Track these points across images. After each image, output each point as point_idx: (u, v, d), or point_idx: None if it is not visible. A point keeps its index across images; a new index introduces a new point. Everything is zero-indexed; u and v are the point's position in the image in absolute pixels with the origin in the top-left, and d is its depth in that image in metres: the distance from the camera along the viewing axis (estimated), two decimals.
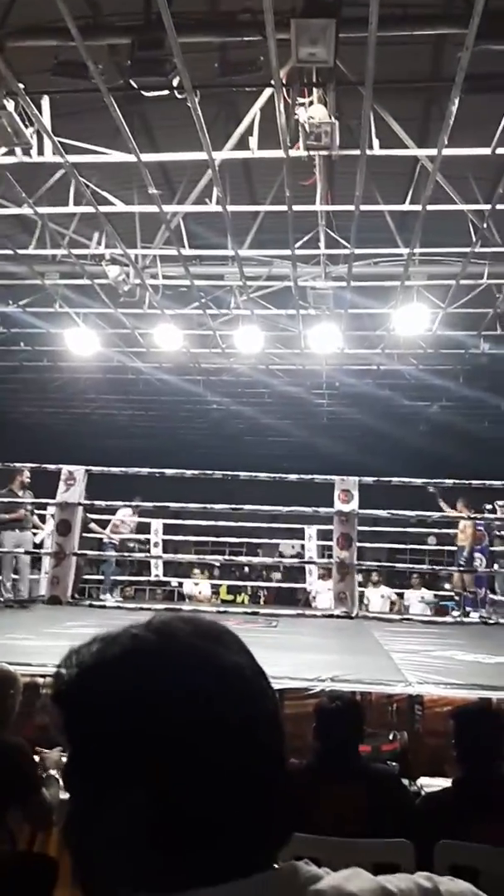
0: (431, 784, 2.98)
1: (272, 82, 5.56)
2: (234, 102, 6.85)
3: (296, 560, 11.87)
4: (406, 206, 7.47)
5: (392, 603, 11.20)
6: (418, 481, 6.22)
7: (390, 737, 3.38)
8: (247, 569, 14.37)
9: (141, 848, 0.59)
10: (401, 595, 11.62)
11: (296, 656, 4.65)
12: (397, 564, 9.56)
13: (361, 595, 11.09)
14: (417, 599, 11.33)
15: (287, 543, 12.74)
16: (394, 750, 3.27)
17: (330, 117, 5.73)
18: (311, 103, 5.66)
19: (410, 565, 10.43)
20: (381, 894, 0.61)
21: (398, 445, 17.02)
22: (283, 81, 5.55)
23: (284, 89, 5.61)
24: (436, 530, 11.71)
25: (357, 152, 6.24)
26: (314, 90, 5.64)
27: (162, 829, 0.59)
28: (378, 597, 11.16)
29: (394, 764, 3.07)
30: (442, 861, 2.28)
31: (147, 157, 6.79)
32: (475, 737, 2.57)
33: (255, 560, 11.74)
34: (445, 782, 2.75)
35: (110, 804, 0.60)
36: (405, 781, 2.89)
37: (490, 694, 3.65)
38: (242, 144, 6.52)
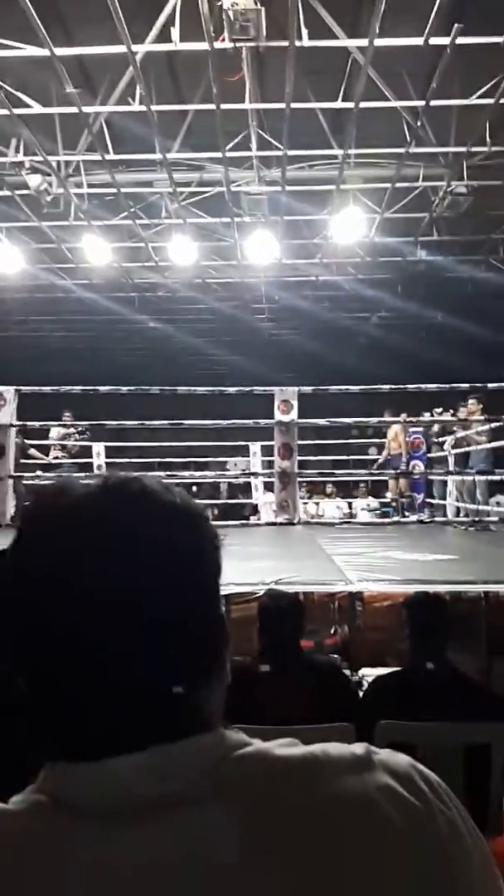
0: (373, 674, 3.10)
1: None
2: None
3: (239, 473, 11.98)
4: (338, 104, 7.18)
5: (344, 514, 11.59)
6: (355, 388, 6.25)
7: (332, 631, 3.51)
8: (195, 488, 14.46)
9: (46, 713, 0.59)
10: (350, 505, 12.02)
11: (242, 564, 4.72)
12: (336, 471, 9.73)
13: (317, 506, 11.42)
14: (363, 508, 11.73)
15: (232, 461, 12.81)
16: (335, 644, 3.41)
17: (255, 3, 5.38)
18: None
19: (349, 472, 10.55)
20: (307, 759, 0.60)
21: (337, 360, 17.06)
22: None
23: None
24: (376, 440, 11.97)
25: (286, 44, 5.90)
26: None
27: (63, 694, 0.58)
28: (334, 508, 11.52)
29: (335, 656, 3.20)
30: (381, 740, 2.40)
31: (62, 52, 6.29)
32: (425, 623, 2.68)
33: (199, 475, 11.76)
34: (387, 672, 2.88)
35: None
36: (347, 672, 3.01)
37: (426, 587, 3.78)
38: (165, 37, 6.10)
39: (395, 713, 2.46)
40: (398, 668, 2.79)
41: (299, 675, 2.56)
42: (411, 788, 0.59)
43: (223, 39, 5.81)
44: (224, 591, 2.71)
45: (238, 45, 5.76)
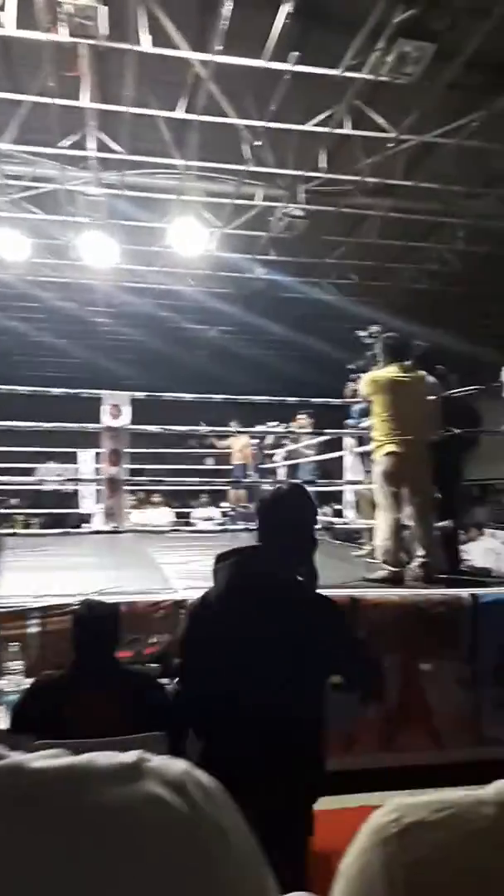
0: None
1: None
2: None
3: (65, 479, 11.55)
4: (180, 114, 7.20)
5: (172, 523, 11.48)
6: (188, 396, 6.24)
7: (152, 640, 3.45)
8: (13, 500, 13.72)
9: None
10: (187, 514, 11.97)
11: (65, 574, 4.56)
12: (166, 479, 9.64)
13: (143, 515, 11.22)
14: (203, 518, 11.74)
15: (60, 467, 12.33)
16: (154, 652, 3.35)
17: (95, 1, 5.26)
18: None
19: (180, 481, 10.51)
20: (67, 770, 0.55)
21: (180, 367, 17.09)
22: None
23: None
24: (213, 451, 12.08)
25: (126, 46, 5.83)
26: None
27: None
28: (158, 517, 11.36)
29: (155, 665, 3.14)
30: (193, 747, 2.37)
31: None
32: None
33: (18, 480, 11.14)
34: None
35: None
36: (165, 680, 2.96)
37: None
38: None
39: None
40: None
41: (114, 686, 2.48)
42: (182, 796, 0.56)
43: (56, 31, 5.62)
44: (40, 602, 2.56)
45: (75, 40, 5.58)
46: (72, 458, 10.47)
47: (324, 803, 2.86)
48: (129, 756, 0.58)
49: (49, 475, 11.54)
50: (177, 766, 0.59)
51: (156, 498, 11.28)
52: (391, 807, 0.57)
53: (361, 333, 5.34)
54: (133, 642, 3.33)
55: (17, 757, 0.55)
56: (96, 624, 2.56)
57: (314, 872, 2.28)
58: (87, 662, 2.52)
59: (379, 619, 3.97)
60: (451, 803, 0.55)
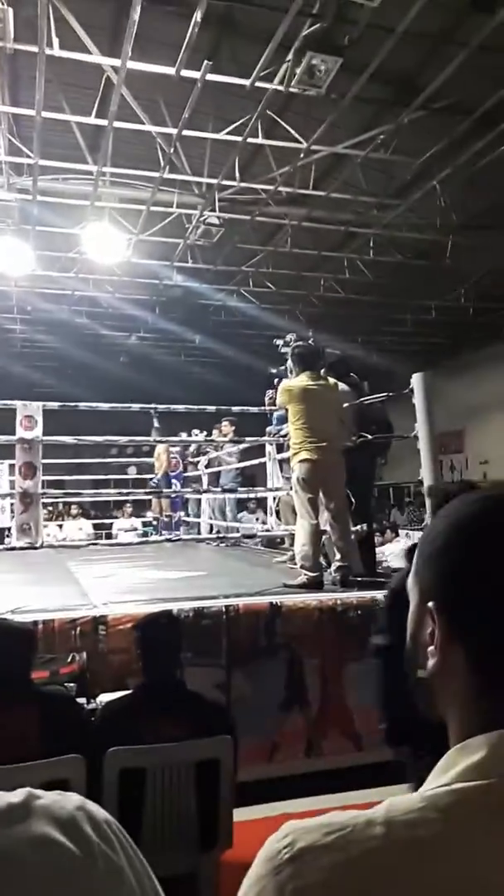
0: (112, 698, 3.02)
1: None
2: None
3: None
4: (92, 119, 7.12)
5: (89, 534, 11.28)
6: (105, 406, 6.15)
7: (68, 659, 3.37)
8: None
9: None
10: (108, 525, 11.75)
11: None
12: (84, 491, 9.41)
13: (61, 528, 10.97)
14: (124, 529, 11.57)
15: None
16: (72, 672, 3.27)
17: (2, 3, 5.14)
18: None
19: (97, 493, 10.33)
20: None
21: (99, 375, 16.82)
22: None
23: None
24: (135, 460, 11.94)
25: (35, 49, 5.72)
26: None
27: None
28: (76, 529, 11.14)
29: (71, 685, 3.07)
30: (111, 768, 2.34)
31: None
32: (155, 643, 2.66)
33: None
34: None
35: None
36: (82, 700, 2.90)
37: (170, 605, 3.82)
38: None
39: (126, 738, 2.42)
40: (129, 691, 2.75)
41: (27, 707, 2.41)
42: (73, 834, 0.56)
43: None
44: None
45: None
46: None
47: (244, 814, 2.87)
48: (18, 795, 0.57)
49: None
50: (69, 802, 0.59)
51: (73, 510, 11.07)
52: (284, 831, 0.58)
53: (278, 342, 5.40)
54: (49, 661, 3.25)
55: None
56: (8, 644, 2.48)
57: (231, 886, 2.28)
58: (0, 684, 2.45)
59: (299, 625, 4.03)
60: (342, 825, 0.56)
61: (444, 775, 0.56)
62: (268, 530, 7.55)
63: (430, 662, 0.63)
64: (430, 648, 0.63)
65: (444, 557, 0.64)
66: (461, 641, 0.61)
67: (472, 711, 0.60)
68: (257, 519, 8.45)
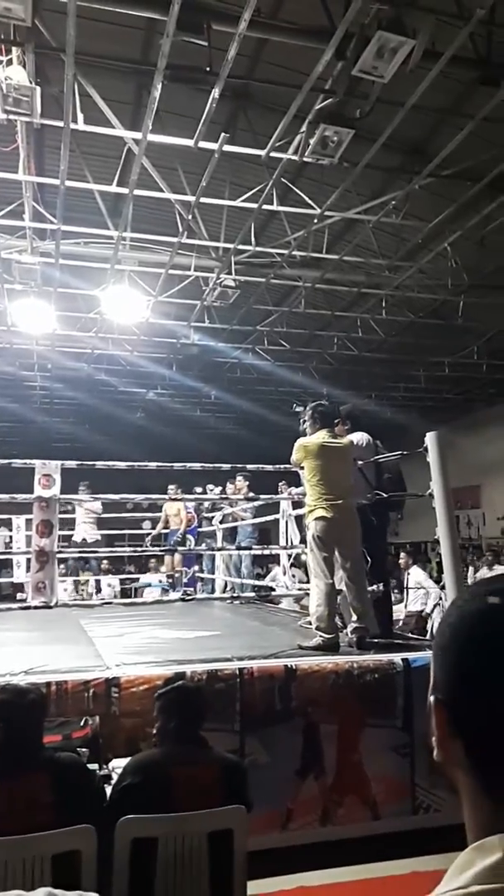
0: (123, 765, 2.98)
1: None
2: None
3: None
4: (114, 188, 7.41)
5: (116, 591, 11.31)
6: (122, 465, 6.20)
7: (81, 723, 3.33)
8: None
9: None
10: (135, 580, 11.77)
11: None
12: (98, 550, 9.42)
13: (98, 583, 10.96)
14: (145, 584, 11.54)
15: None
16: (85, 736, 3.22)
17: (30, 81, 5.43)
18: (9, 62, 5.30)
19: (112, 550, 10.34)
20: None
21: (119, 428, 17.06)
22: None
23: None
24: (150, 514, 11.96)
25: (60, 124, 6.01)
26: (13, 49, 5.29)
27: None
28: (106, 585, 11.17)
29: (84, 750, 3.02)
30: (123, 837, 2.29)
31: None
32: (176, 710, 2.64)
33: None
34: None
35: None
36: (94, 766, 2.86)
37: (184, 667, 3.78)
38: None
39: (148, 806, 2.37)
40: (149, 753, 2.70)
41: (38, 773, 2.38)
42: None
43: None
44: None
45: (11, 117, 5.72)
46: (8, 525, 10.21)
47: (259, 886, 2.79)
48: (38, 894, 0.58)
49: None
50: None
51: (104, 565, 11.14)
52: None
53: (299, 409, 5.43)
54: (62, 725, 3.21)
55: None
56: (21, 708, 2.46)
57: None
58: (11, 749, 2.42)
59: (314, 688, 3.96)
60: None
61: (461, 876, 0.56)
62: (272, 589, 7.47)
63: (436, 752, 0.64)
64: (434, 738, 0.64)
65: (446, 652, 0.65)
66: (461, 736, 0.62)
67: (483, 807, 0.60)
68: (285, 573, 8.35)
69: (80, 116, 6.12)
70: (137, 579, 12.06)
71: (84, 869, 2.20)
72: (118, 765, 3.08)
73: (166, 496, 8.69)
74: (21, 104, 5.44)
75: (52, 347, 11.90)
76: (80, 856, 2.21)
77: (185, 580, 9.59)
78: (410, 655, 4.20)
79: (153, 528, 10.78)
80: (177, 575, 9.60)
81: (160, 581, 11.44)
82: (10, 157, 6.92)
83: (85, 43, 5.56)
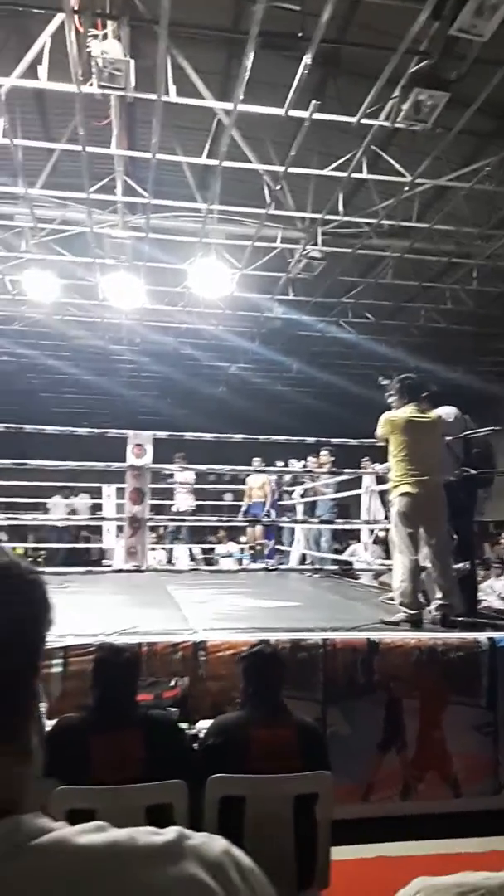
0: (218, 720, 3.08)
1: (63, 7, 5.20)
2: (26, 27, 6.31)
3: (89, 517, 11.69)
4: (203, 160, 7.43)
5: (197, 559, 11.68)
6: (208, 436, 6.31)
7: (171, 683, 3.46)
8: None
9: None
10: (211, 549, 12.09)
11: (86, 614, 4.59)
12: (186, 518, 9.66)
13: (190, 550, 11.34)
14: (223, 554, 11.83)
15: (82, 503, 12.47)
16: (174, 696, 3.35)
17: (124, 55, 5.49)
18: (104, 37, 5.37)
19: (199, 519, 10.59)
20: (111, 849, 0.57)
21: (201, 401, 17.31)
22: (75, 7, 5.20)
23: (76, 16, 5.26)
24: (231, 486, 12.12)
25: (153, 97, 6.05)
26: (108, 23, 5.35)
27: None
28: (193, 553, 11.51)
29: (174, 709, 3.14)
30: (213, 795, 2.38)
31: None
32: (259, 674, 2.71)
33: (43, 518, 11.29)
34: None
35: None
36: (184, 725, 2.97)
37: (267, 635, 3.85)
38: (33, 73, 6.06)
39: (227, 761, 2.46)
40: (232, 715, 2.79)
41: (132, 729, 2.49)
42: (221, 878, 0.58)
43: (91, 84, 5.86)
44: (62, 643, 2.62)
45: (105, 92, 5.81)
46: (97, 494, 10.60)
47: (340, 853, 2.84)
48: (170, 834, 0.60)
49: (58, 511, 11.72)
50: (217, 845, 0.61)
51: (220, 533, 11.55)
52: (416, 888, 0.59)
53: (384, 382, 5.32)
54: (153, 685, 3.34)
55: (61, 831, 0.57)
56: (117, 666, 2.58)
57: None
58: (108, 705, 2.54)
59: (397, 663, 3.96)
60: (474, 886, 0.56)
61: None
62: (364, 564, 7.46)
63: None
64: None
65: None
66: None
67: None
68: (366, 549, 8.31)
69: (173, 89, 6.14)
70: (213, 549, 12.37)
71: (177, 823, 2.30)
72: (205, 726, 3.19)
73: (251, 468, 8.78)
74: (115, 79, 5.51)
75: (141, 321, 12.13)
76: (171, 809, 2.31)
77: (266, 552, 9.71)
78: (496, 635, 4.13)
79: (234, 500, 10.95)
80: (259, 546, 9.73)
81: (241, 551, 11.69)
82: (103, 132, 7.04)
83: (177, 13, 5.56)
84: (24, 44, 6.22)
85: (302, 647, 3.90)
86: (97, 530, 11.72)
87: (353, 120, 6.57)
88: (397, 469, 4.82)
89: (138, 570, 5.62)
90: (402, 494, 4.74)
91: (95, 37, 5.41)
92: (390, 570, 5.50)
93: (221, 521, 11.36)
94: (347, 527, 8.95)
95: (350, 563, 8.41)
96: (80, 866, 0.54)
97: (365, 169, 7.61)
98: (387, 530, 5.95)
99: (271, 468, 9.36)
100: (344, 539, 11.42)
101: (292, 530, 9.66)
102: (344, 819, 3.21)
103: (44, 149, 7.67)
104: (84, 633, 3.72)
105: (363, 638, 4.02)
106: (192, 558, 10.91)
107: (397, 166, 7.59)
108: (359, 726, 3.83)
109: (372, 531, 7.53)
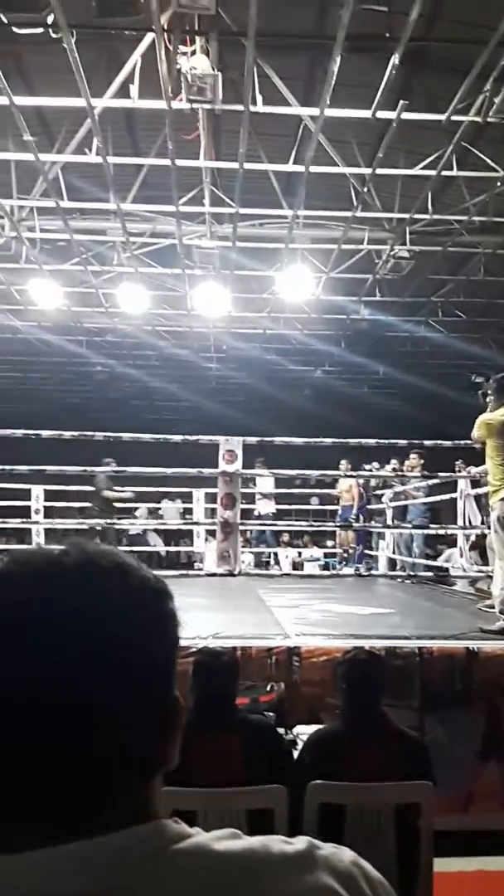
0: (307, 732, 3.08)
1: (153, 28, 5.35)
2: (116, 49, 6.54)
3: (180, 522, 11.93)
4: (290, 167, 7.46)
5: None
6: (299, 441, 6.33)
7: (268, 688, 3.48)
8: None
9: None
10: (300, 553, 12.13)
11: (182, 615, 4.68)
12: (278, 522, 9.71)
13: (275, 555, 11.45)
14: (308, 559, 11.84)
15: (173, 507, 12.75)
16: (271, 700, 3.37)
17: (213, 69, 5.60)
18: (193, 53, 5.50)
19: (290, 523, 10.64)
20: (247, 856, 0.57)
21: (284, 408, 17.33)
22: (165, 27, 5.35)
23: (166, 35, 5.41)
24: (318, 491, 12.11)
25: (241, 108, 6.13)
26: (196, 39, 5.47)
27: None
28: (283, 557, 11.59)
29: (271, 714, 3.16)
30: (312, 802, 2.39)
31: (22, 101, 6.37)
32: (360, 680, 2.68)
33: (137, 522, 11.63)
34: None
35: None
36: (281, 730, 2.98)
37: (362, 642, 3.82)
38: (124, 93, 6.26)
39: (328, 772, 2.45)
40: (332, 726, 2.78)
41: (232, 733, 2.53)
42: (351, 889, 0.58)
43: (180, 100, 6.00)
44: None
45: (195, 106, 5.93)
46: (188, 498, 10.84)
47: (440, 865, 2.78)
48: (301, 843, 0.61)
49: (171, 515, 12.03)
50: (345, 856, 0.61)
51: (284, 538, 11.63)
52: None
53: (478, 379, 5.16)
54: (250, 689, 3.38)
55: (199, 836, 0.58)
56: (217, 669, 2.62)
57: None
58: (208, 708, 2.58)
59: (498, 672, 3.84)
60: None
61: None
62: (461, 570, 7.27)
63: None
64: None
65: None
66: None
67: None
68: (462, 555, 8.10)
69: (259, 98, 6.20)
70: (300, 553, 12.37)
71: (277, 828, 2.31)
72: (301, 731, 3.20)
73: (340, 472, 8.74)
74: (204, 92, 5.63)
75: (227, 329, 12.29)
76: (273, 814, 2.33)
77: (356, 557, 9.63)
78: None
79: (320, 504, 10.93)
80: (350, 551, 9.66)
81: (315, 558, 11.66)
82: (191, 145, 7.19)
83: (261, 22, 5.61)
84: (114, 64, 6.45)
85: (397, 655, 3.84)
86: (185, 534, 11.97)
87: (443, 117, 6.44)
88: (496, 473, 4.67)
89: (231, 574, 5.69)
90: (503, 500, 4.59)
91: (184, 54, 5.53)
92: (487, 576, 5.34)
93: (311, 525, 11.34)
94: (442, 532, 8.74)
95: (445, 570, 8.21)
96: (221, 872, 0.55)
97: (455, 165, 7.44)
98: (484, 535, 5.78)
99: (362, 472, 9.27)
100: (434, 544, 11.17)
101: (381, 535, 9.53)
102: (443, 829, 3.14)
103: (133, 164, 7.91)
104: (182, 636, 3.79)
105: (461, 646, 3.92)
106: (277, 562, 10.96)
107: (489, 161, 7.38)
108: (457, 735, 3.74)
109: (467, 537, 7.32)
